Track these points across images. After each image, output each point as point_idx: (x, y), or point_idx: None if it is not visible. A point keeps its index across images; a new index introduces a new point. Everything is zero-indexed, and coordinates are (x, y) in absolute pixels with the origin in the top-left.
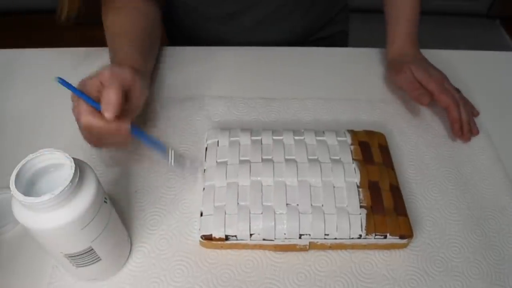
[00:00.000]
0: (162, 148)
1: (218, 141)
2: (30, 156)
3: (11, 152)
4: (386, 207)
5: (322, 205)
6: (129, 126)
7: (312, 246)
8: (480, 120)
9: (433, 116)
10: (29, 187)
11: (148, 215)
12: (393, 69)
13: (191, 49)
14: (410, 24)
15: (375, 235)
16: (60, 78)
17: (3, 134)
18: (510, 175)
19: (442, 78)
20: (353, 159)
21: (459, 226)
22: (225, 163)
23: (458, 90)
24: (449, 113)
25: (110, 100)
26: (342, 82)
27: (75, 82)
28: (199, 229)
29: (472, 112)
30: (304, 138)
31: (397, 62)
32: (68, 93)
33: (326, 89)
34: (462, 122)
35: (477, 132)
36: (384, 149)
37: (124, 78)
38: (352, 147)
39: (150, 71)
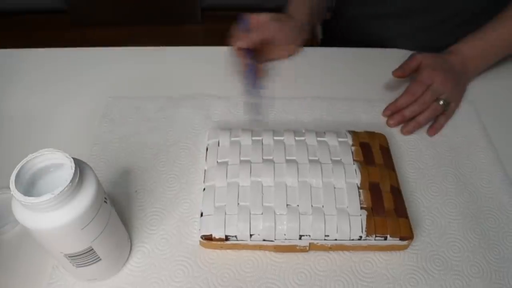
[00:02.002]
0: (255, 93)
1: (218, 141)
2: (30, 156)
3: (11, 152)
4: (387, 208)
5: (323, 206)
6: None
7: (312, 247)
8: (480, 120)
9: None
10: (29, 187)
11: (148, 215)
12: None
13: (191, 49)
14: (489, 40)
15: (376, 236)
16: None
17: (3, 134)
18: (510, 175)
19: (439, 80)
20: (354, 160)
21: (459, 226)
22: (226, 163)
23: (447, 104)
24: (399, 97)
25: (251, 38)
26: (343, 82)
27: (75, 82)
28: (199, 229)
29: (435, 126)
30: (305, 139)
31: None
32: (68, 93)
33: (326, 89)
34: (400, 112)
35: (409, 133)
36: (385, 150)
37: (270, 29)
38: (353, 148)
39: (315, 22)
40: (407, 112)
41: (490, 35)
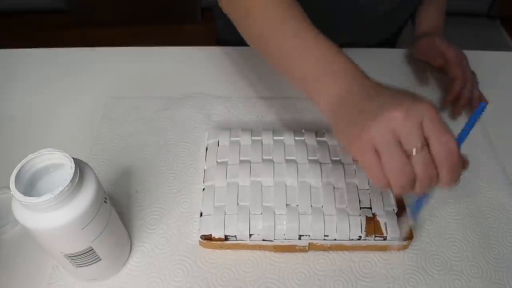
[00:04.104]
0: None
1: (218, 141)
2: (30, 156)
3: (11, 152)
4: (386, 208)
5: (322, 206)
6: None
7: (312, 247)
8: (480, 120)
9: None
10: (29, 187)
11: (148, 215)
12: (417, 42)
13: (191, 49)
14: (439, 12)
15: (375, 236)
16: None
17: (3, 134)
18: (510, 175)
19: (461, 54)
20: (353, 160)
21: (459, 226)
22: (225, 163)
23: (473, 73)
24: (453, 84)
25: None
26: None
27: (75, 82)
28: (199, 229)
29: (480, 98)
30: (304, 139)
31: (422, 36)
32: (68, 93)
33: None
34: (461, 97)
35: (461, 112)
36: None
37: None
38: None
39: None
40: (466, 93)
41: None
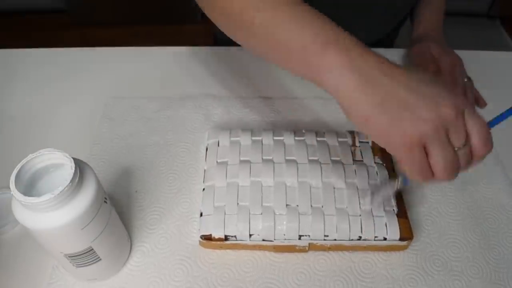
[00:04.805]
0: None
1: (218, 141)
2: (30, 156)
3: (11, 152)
4: (387, 208)
5: (322, 206)
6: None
7: (312, 247)
8: None
9: None
10: (29, 187)
11: (148, 215)
12: (413, 47)
13: (191, 49)
14: (438, 12)
15: (375, 236)
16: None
17: (3, 134)
18: (510, 175)
19: (456, 60)
20: (353, 160)
21: (459, 226)
22: (225, 163)
23: (469, 78)
24: None
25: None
26: None
27: (75, 82)
28: (199, 229)
29: (479, 102)
30: (304, 139)
31: (419, 40)
32: (68, 93)
33: None
34: None
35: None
36: (385, 151)
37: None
38: (353, 148)
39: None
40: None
41: (433, 7)
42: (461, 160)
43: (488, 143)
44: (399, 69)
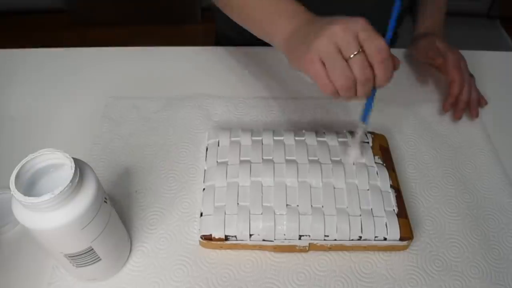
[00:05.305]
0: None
1: (218, 141)
2: (30, 156)
3: (11, 152)
4: (387, 208)
5: (322, 206)
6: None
7: (312, 247)
8: (480, 120)
9: (433, 116)
10: (29, 187)
11: (148, 215)
12: (416, 42)
13: (190, 49)
14: (440, 12)
15: (375, 237)
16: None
17: (3, 134)
18: (509, 175)
19: (460, 57)
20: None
21: (459, 226)
22: (226, 163)
23: (471, 75)
24: (451, 87)
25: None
26: None
27: (75, 82)
28: (199, 229)
29: (480, 100)
30: (304, 139)
31: (422, 36)
32: (68, 93)
33: None
34: (459, 101)
35: (476, 115)
36: (385, 151)
37: None
38: None
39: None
40: (465, 96)
41: (436, 7)
42: (354, 70)
43: (383, 50)
44: (316, 18)
